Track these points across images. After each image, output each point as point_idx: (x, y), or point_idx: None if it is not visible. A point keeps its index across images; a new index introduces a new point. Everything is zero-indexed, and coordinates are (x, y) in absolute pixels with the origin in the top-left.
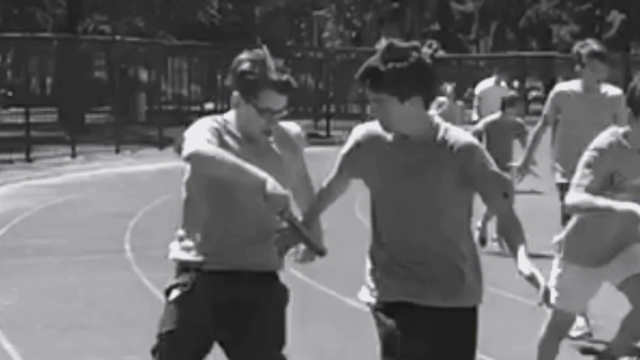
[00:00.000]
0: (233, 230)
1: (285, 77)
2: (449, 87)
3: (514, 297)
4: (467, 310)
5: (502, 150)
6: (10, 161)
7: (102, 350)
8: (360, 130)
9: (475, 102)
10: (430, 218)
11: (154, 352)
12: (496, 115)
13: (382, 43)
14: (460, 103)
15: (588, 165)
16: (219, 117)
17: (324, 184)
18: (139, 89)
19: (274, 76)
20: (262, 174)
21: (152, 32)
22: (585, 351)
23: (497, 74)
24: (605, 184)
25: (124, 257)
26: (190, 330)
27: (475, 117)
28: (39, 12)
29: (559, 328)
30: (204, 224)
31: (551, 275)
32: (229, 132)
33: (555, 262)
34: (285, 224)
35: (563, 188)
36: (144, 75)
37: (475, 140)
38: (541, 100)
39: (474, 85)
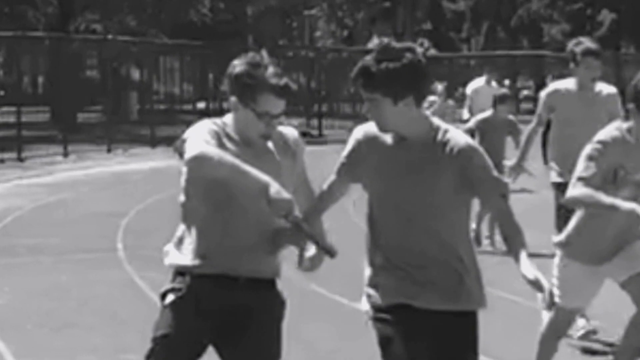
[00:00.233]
0: (232, 233)
1: (283, 80)
2: (440, 86)
3: (511, 297)
4: (467, 314)
5: (495, 147)
6: (2, 160)
7: (94, 349)
8: (360, 131)
9: (467, 102)
10: (429, 221)
11: (148, 357)
12: (488, 113)
13: (375, 42)
14: (451, 102)
15: (590, 158)
16: (217, 120)
17: (324, 186)
18: (131, 88)
19: (272, 80)
20: (265, 177)
21: (144, 31)
22: (586, 351)
23: (487, 73)
24: (608, 178)
25: (116, 256)
26: (184, 335)
27: (466, 116)
28: (31, 11)
29: (559, 326)
30: (202, 227)
31: (553, 274)
32: (228, 136)
33: (556, 261)
34: (289, 226)
35: (558, 187)
36: (135, 74)
37: (474, 143)
38: (532, 99)
39: (465, 84)
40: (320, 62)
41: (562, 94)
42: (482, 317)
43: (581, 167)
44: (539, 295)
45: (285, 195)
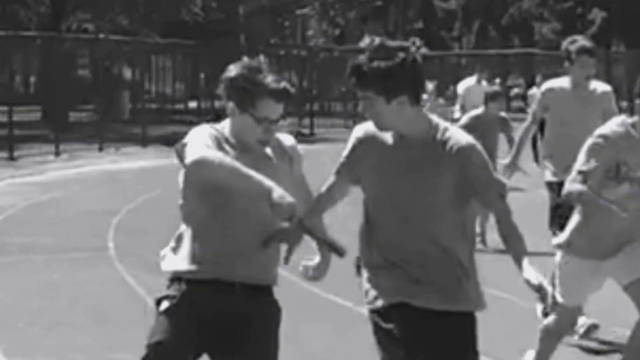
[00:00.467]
0: (231, 238)
1: (282, 84)
2: (430, 85)
3: (505, 295)
4: (466, 314)
5: (487, 145)
6: None
7: (85, 348)
8: (360, 130)
9: (460, 101)
10: (427, 220)
11: None
12: (479, 110)
13: (366, 41)
14: (441, 101)
15: (592, 151)
16: (216, 126)
17: (323, 188)
18: (123, 87)
19: (271, 85)
20: (268, 181)
21: (136, 31)
22: (586, 351)
23: (478, 72)
24: (610, 174)
25: (108, 254)
26: (179, 342)
27: (457, 115)
28: (23, 11)
29: (562, 325)
30: (200, 231)
31: (555, 274)
32: (227, 141)
33: (557, 259)
34: (289, 225)
35: (552, 187)
36: (127, 73)
37: (475, 141)
38: (522, 97)
39: (457, 82)
40: (312, 61)
41: (556, 92)
42: (477, 316)
43: (582, 160)
44: (539, 306)
45: (289, 198)
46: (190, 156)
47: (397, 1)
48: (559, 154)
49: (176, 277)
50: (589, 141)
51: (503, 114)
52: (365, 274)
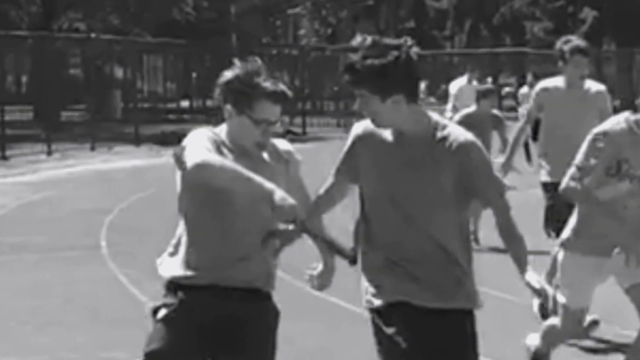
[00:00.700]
0: (231, 242)
1: (280, 87)
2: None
3: (499, 294)
4: (465, 311)
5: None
6: None
7: (77, 347)
8: (359, 127)
9: (452, 100)
10: (426, 218)
11: None
12: (471, 108)
13: (358, 39)
14: (432, 99)
15: (592, 147)
16: (214, 129)
17: (322, 190)
18: (115, 87)
19: (269, 87)
20: (269, 184)
21: (128, 30)
22: (582, 349)
23: (469, 72)
24: (611, 171)
25: (100, 253)
26: (177, 349)
27: (449, 114)
28: (14, 10)
29: (571, 328)
30: (199, 236)
31: (558, 276)
32: (224, 145)
33: (560, 258)
34: (290, 228)
35: (547, 187)
36: (119, 72)
37: (475, 138)
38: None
39: (449, 81)
40: (303, 60)
41: (551, 92)
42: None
43: (581, 156)
44: (535, 300)
45: (291, 201)
46: (192, 160)
47: (388, 0)
48: (553, 154)
49: (173, 283)
50: (590, 137)
51: (497, 112)
52: (364, 272)
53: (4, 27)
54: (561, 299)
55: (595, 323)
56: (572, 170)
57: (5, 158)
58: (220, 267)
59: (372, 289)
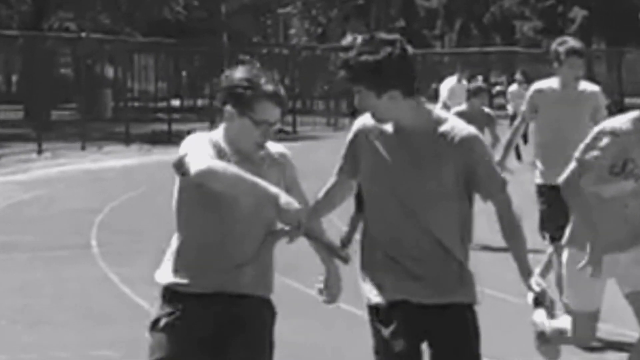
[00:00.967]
0: (230, 248)
1: (281, 89)
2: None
3: (495, 293)
4: (465, 306)
5: None
6: None
7: (67, 345)
8: (360, 122)
9: (443, 100)
10: (427, 213)
11: None
12: (463, 107)
13: (348, 39)
14: (422, 98)
15: (595, 142)
16: (212, 133)
17: (321, 193)
18: (105, 86)
19: (270, 88)
20: (274, 188)
21: (118, 29)
22: (581, 348)
23: (459, 72)
24: (616, 169)
25: (91, 252)
26: (180, 356)
27: None
28: (4, 9)
29: (582, 332)
30: (198, 242)
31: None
32: (224, 149)
33: (564, 260)
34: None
35: (541, 190)
36: (110, 72)
37: (477, 132)
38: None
39: (439, 81)
40: (294, 59)
41: (545, 93)
42: None
43: (583, 147)
44: (529, 294)
45: (296, 205)
46: (196, 166)
47: (378, 0)
48: (548, 155)
49: (169, 290)
50: (595, 130)
51: (488, 109)
52: (363, 270)
53: None
54: (567, 301)
55: None
56: (572, 164)
57: None
58: (219, 274)
59: (372, 288)
